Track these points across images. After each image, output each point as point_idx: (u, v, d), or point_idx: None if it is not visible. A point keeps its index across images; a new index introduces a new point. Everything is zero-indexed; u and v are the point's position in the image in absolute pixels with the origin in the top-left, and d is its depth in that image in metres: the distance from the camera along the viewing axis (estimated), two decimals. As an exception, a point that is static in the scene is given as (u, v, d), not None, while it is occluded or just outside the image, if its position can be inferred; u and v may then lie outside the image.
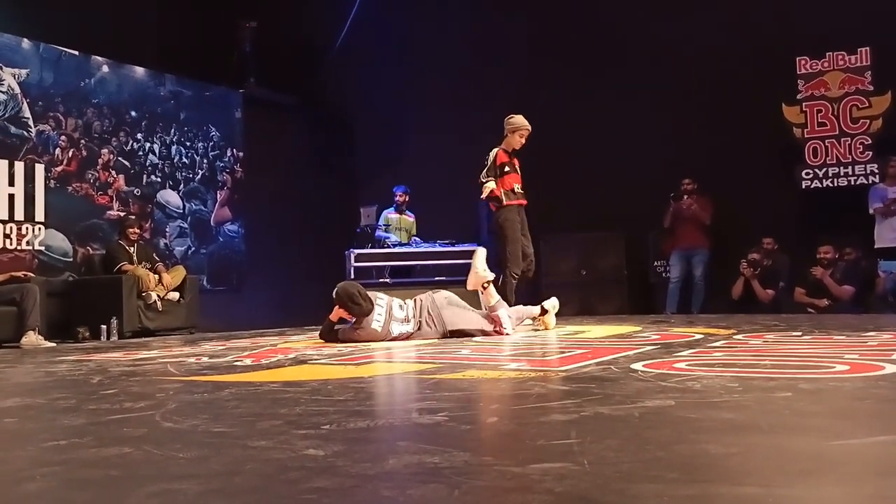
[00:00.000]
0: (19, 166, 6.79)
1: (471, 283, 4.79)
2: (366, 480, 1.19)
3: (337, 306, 4.24)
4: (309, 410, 1.89)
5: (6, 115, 6.76)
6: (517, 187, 5.76)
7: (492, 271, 4.92)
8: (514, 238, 5.65)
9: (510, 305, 5.46)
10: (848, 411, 1.73)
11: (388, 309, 4.27)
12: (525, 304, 5.14)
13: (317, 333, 4.58)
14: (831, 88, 7.48)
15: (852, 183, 7.31)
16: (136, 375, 3.01)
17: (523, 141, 5.75)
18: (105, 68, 7.69)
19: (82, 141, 7.38)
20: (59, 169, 7.13)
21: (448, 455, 1.33)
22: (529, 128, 5.74)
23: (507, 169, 5.74)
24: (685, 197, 7.57)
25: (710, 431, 1.52)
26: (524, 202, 5.80)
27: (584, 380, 2.29)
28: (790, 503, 1.03)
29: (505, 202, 5.69)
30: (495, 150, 5.79)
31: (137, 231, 7.08)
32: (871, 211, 6.77)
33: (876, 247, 6.71)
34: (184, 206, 8.35)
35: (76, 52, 7.41)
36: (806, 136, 7.55)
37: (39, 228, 6.87)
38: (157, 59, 8.17)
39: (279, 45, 9.05)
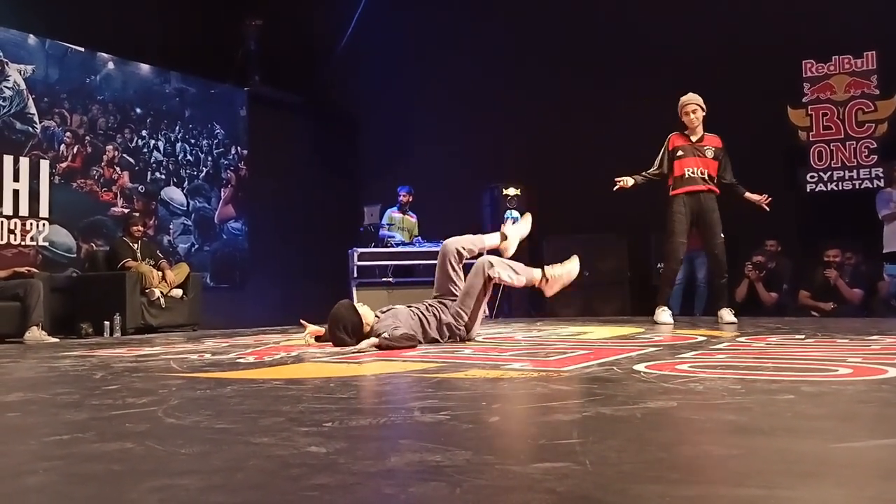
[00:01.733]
0: (24, 162, 6.81)
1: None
2: (367, 478, 1.19)
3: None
4: (311, 408, 1.89)
5: (11, 111, 6.78)
6: (690, 172, 5.40)
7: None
8: (670, 231, 5.42)
9: (661, 303, 5.54)
10: (850, 414, 1.73)
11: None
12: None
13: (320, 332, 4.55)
14: (837, 92, 7.47)
15: (857, 187, 7.29)
16: (138, 371, 3.02)
17: (693, 116, 5.41)
18: (110, 65, 7.71)
19: (87, 137, 7.39)
20: (63, 165, 7.15)
21: (450, 453, 1.33)
22: (693, 99, 5.43)
23: (680, 153, 5.44)
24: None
25: (713, 433, 1.52)
26: (700, 187, 5.39)
27: (587, 380, 2.29)
28: (792, 505, 1.03)
29: (671, 192, 5.44)
30: (671, 134, 5.56)
31: (141, 228, 7.10)
32: (880, 216, 6.73)
33: (885, 251, 6.68)
34: (188, 203, 8.36)
35: (82, 49, 7.43)
36: (811, 139, 7.54)
37: (44, 224, 6.89)
38: (162, 57, 8.19)
39: (284, 44, 9.06)
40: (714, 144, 5.52)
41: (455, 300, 4.07)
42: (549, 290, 4.19)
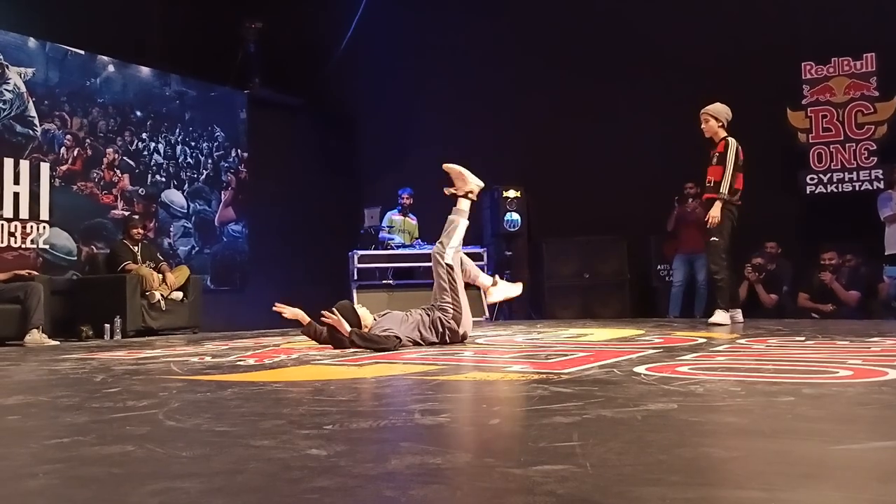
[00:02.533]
0: (24, 165, 6.81)
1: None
2: (368, 480, 1.19)
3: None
4: (311, 410, 1.90)
5: (12, 114, 6.78)
6: (706, 182, 5.67)
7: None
8: None
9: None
10: (850, 416, 1.73)
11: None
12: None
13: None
14: (836, 94, 7.46)
15: (857, 189, 7.29)
16: (139, 374, 3.02)
17: (703, 126, 5.67)
18: (110, 68, 7.71)
19: (87, 140, 7.40)
20: (63, 168, 7.15)
21: (450, 456, 1.33)
22: (703, 110, 5.68)
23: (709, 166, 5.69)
24: (689, 200, 7.56)
25: (713, 435, 1.52)
26: (705, 195, 5.70)
27: (587, 382, 2.29)
28: (792, 507, 1.03)
29: None
30: None
31: (141, 230, 7.09)
32: (882, 218, 6.72)
33: (886, 253, 6.65)
34: (188, 205, 8.36)
35: (82, 52, 7.43)
36: (810, 141, 7.53)
37: (44, 227, 6.88)
38: (162, 59, 8.19)
39: (284, 46, 9.07)
40: (718, 150, 5.66)
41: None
42: (492, 296, 4.53)
